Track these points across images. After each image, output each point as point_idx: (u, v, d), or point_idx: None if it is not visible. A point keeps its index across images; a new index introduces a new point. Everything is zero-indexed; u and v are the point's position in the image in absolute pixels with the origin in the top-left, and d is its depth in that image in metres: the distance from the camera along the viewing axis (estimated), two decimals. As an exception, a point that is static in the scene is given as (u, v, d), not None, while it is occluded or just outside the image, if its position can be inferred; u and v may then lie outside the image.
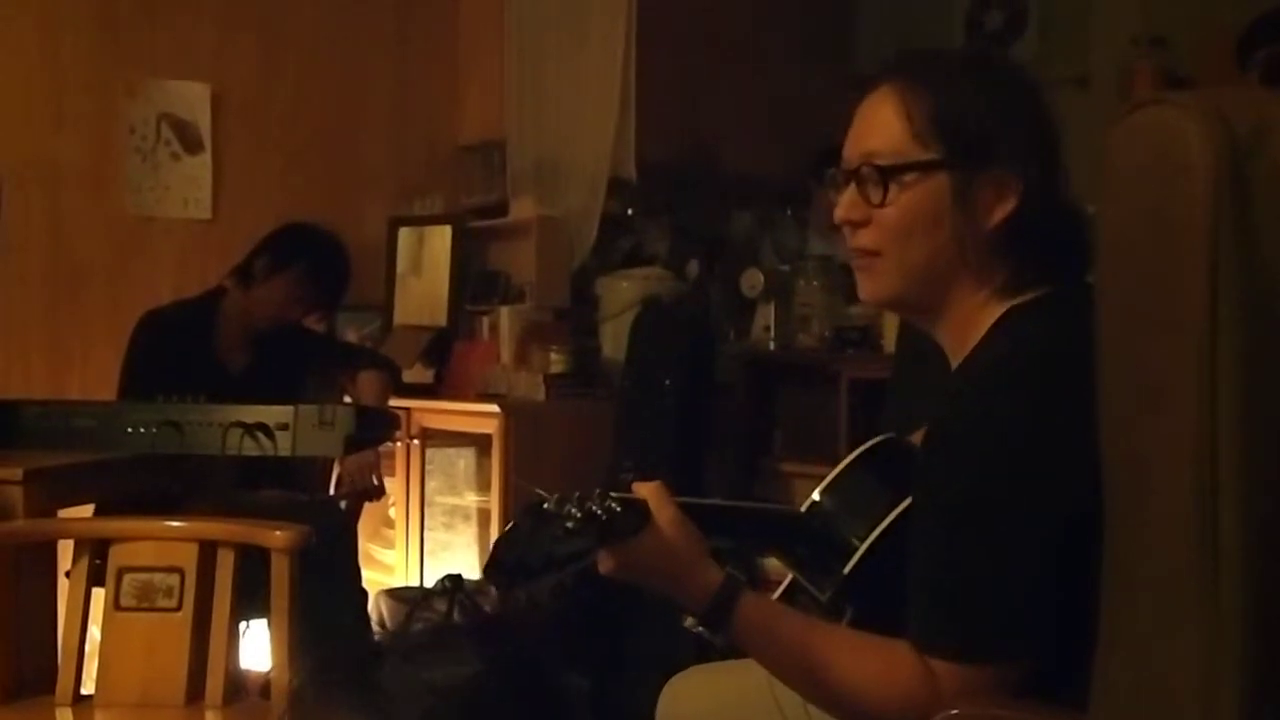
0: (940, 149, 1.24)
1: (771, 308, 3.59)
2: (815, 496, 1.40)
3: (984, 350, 1.25)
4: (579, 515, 1.14)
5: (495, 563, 1.22)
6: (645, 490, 1.29)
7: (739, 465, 3.45)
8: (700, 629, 1.27)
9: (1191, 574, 0.89)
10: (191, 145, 3.75)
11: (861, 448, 1.43)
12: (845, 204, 1.30)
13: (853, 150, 1.30)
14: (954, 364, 1.31)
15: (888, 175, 1.25)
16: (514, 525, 1.21)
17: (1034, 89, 1.30)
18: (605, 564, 1.26)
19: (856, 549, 1.31)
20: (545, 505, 1.16)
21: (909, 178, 1.24)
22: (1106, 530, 0.98)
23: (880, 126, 1.27)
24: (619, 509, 1.18)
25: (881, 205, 1.26)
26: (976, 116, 1.24)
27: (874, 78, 1.30)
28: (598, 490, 1.18)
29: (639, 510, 1.25)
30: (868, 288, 1.32)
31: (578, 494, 1.17)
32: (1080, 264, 1.27)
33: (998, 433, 1.17)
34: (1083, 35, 3.92)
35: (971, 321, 1.27)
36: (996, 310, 1.26)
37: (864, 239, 1.29)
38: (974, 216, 1.24)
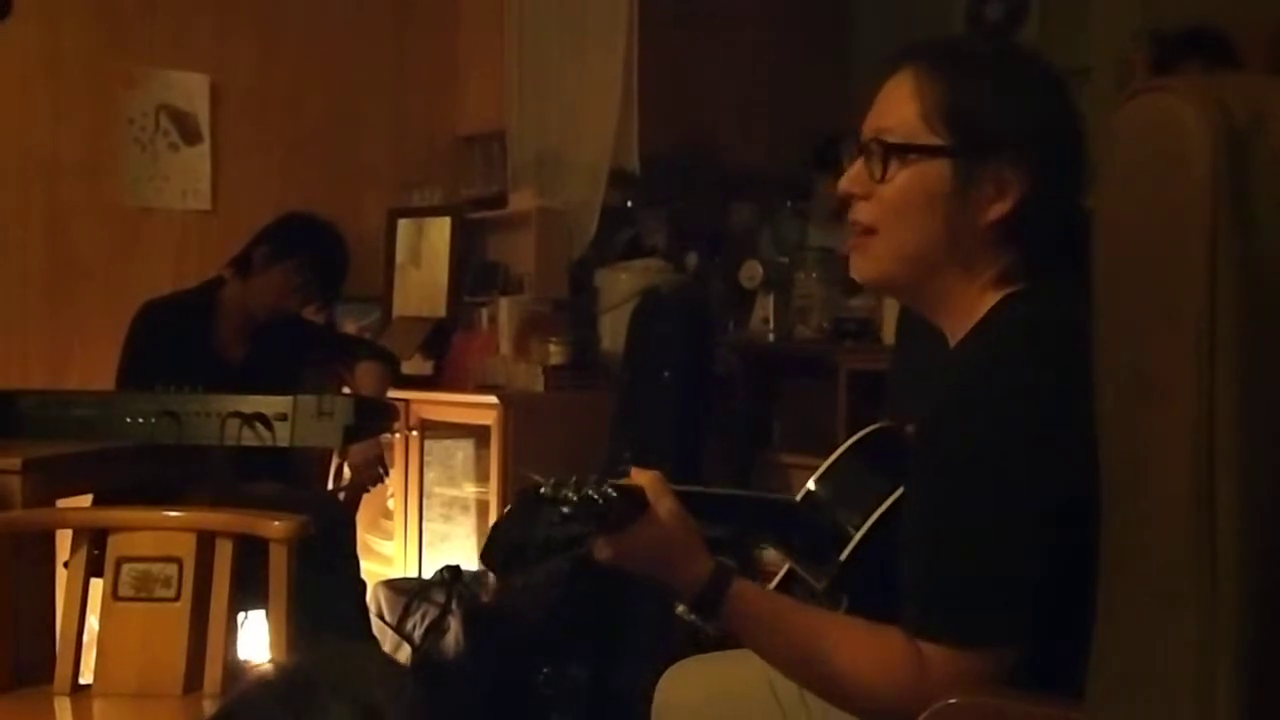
0: (947, 136, 1.25)
1: (770, 299, 3.60)
2: (810, 486, 1.41)
3: (980, 334, 1.26)
4: (575, 500, 1.15)
5: (492, 546, 1.23)
6: (643, 478, 1.29)
7: (738, 457, 3.45)
8: (692, 617, 1.27)
9: (1188, 564, 0.88)
10: (190, 136, 3.74)
11: (854, 437, 1.43)
12: (850, 175, 1.31)
13: (867, 125, 1.31)
14: (952, 345, 1.31)
15: (891, 152, 1.26)
16: (511, 509, 1.22)
17: (1059, 89, 1.30)
18: (601, 551, 1.27)
19: (852, 537, 1.31)
20: (542, 490, 1.17)
21: (911, 158, 1.26)
22: (1103, 520, 0.98)
23: (893, 105, 1.28)
24: (615, 495, 1.18)
25: (882, 180, 1.27)
26: (989, 112, 1.25)
27: (899, 58, 1.31)
28: (594, 476, 1.18)
29: (636, 498, 1.25)
30: (860, 266, 1.34)
31: (574, 479, 1.17)
32: (1074, 264, 1.28)
33: (992, 415, 1.17)
34: (1083, 27, 3.91)
35: (968, 307, 1.28)
36: (993, 297, 1.27)
37: (862, 213, 1.30)
38: (969, 209, 1.25)
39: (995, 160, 1.23)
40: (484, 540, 3.43)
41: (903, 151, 1.26)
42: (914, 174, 1.26)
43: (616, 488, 1.20)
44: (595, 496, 1.16)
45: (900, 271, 1.31)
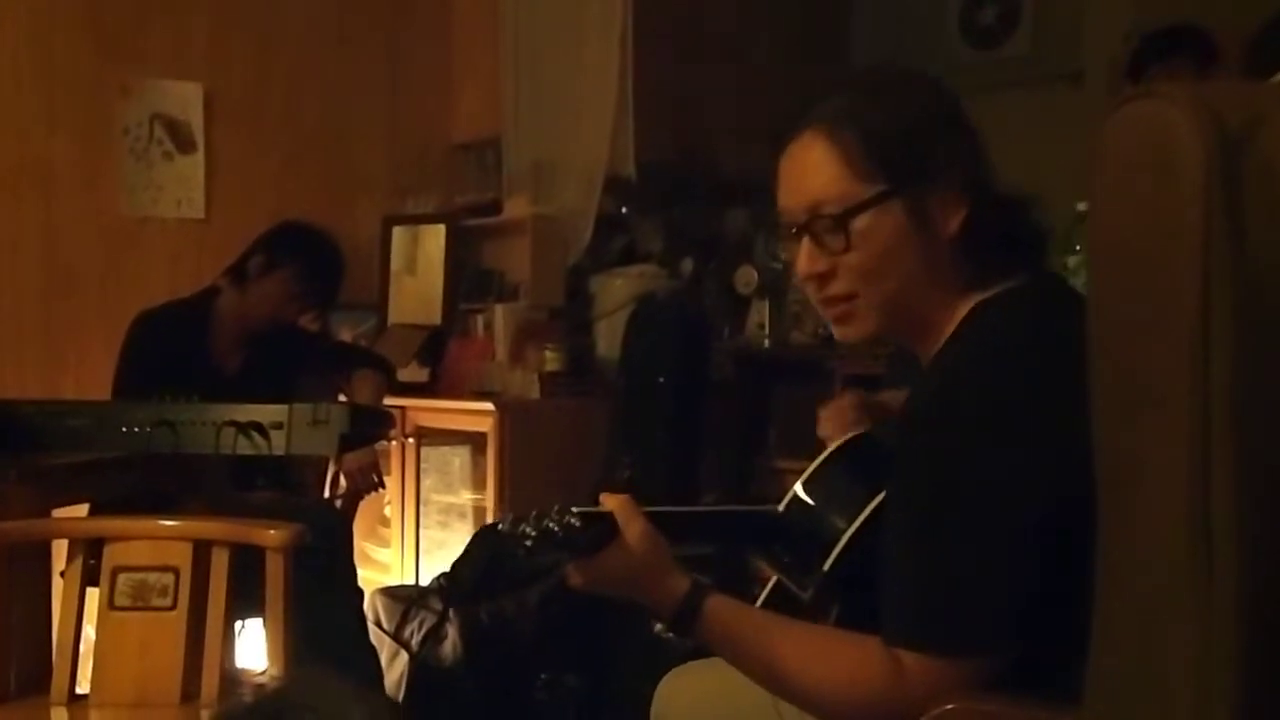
0: (885, 178, 1.22)
1: (765, 305, 3.60)
2: (797, 492, 1.40)
3: (953, 345, 1.26)
4: (534, 534, 1.15)
5: (454, 583, 1.24)
6: (612, 503, 1.29)
7: (734, 462, 3.45)
8: (670, 635, 1.28)
9: (1185, 569, 0.88)
10: (184, 145, 3.74)
11: (835, 444, 1.43)
12: (806, 259, 1.28)
13: (795, 203, 1.28)
14: (925, 361, 1.31)
15: (843, 221, 1.23)
16: (468, 548, 1.23)
17: (946, 92, 1.30)
18: (574, 579, 1.28)
19: (836, 545, 1.31)
20: (500, 526, 1.18)
21: (864, 218, 1.23)
22: (1099, 525, 0.98)
23: (817, 173, 1.25)
24: (578, 524, 1.19)
25: (845, 252, 1.24)
26: (906, 133, 1.23)
27: (791, 129, 1.29)
28: (556, 506, 1.19)
29: (602, 525, 1.26)
30: (849, 331, 1.30)
31: (535, 512, 1.18)
32: (1039, 249, 1.29)
33: (965, 424, 1.17)
34: (1076, 32, 3.93)
35: (943, 323, 1.28)
36: (964, 307, 1.27)
37: (835, 287, 1.28)
38: (932, 233, 1.24)
39: (934, 176, 1.23)
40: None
41: (854, 215, 1.23)
42: (874, 231, 1.23)
43: (583, 515, 1.20)
44: (555, 528, 1.16)
45: (891, 320, 1.28)
